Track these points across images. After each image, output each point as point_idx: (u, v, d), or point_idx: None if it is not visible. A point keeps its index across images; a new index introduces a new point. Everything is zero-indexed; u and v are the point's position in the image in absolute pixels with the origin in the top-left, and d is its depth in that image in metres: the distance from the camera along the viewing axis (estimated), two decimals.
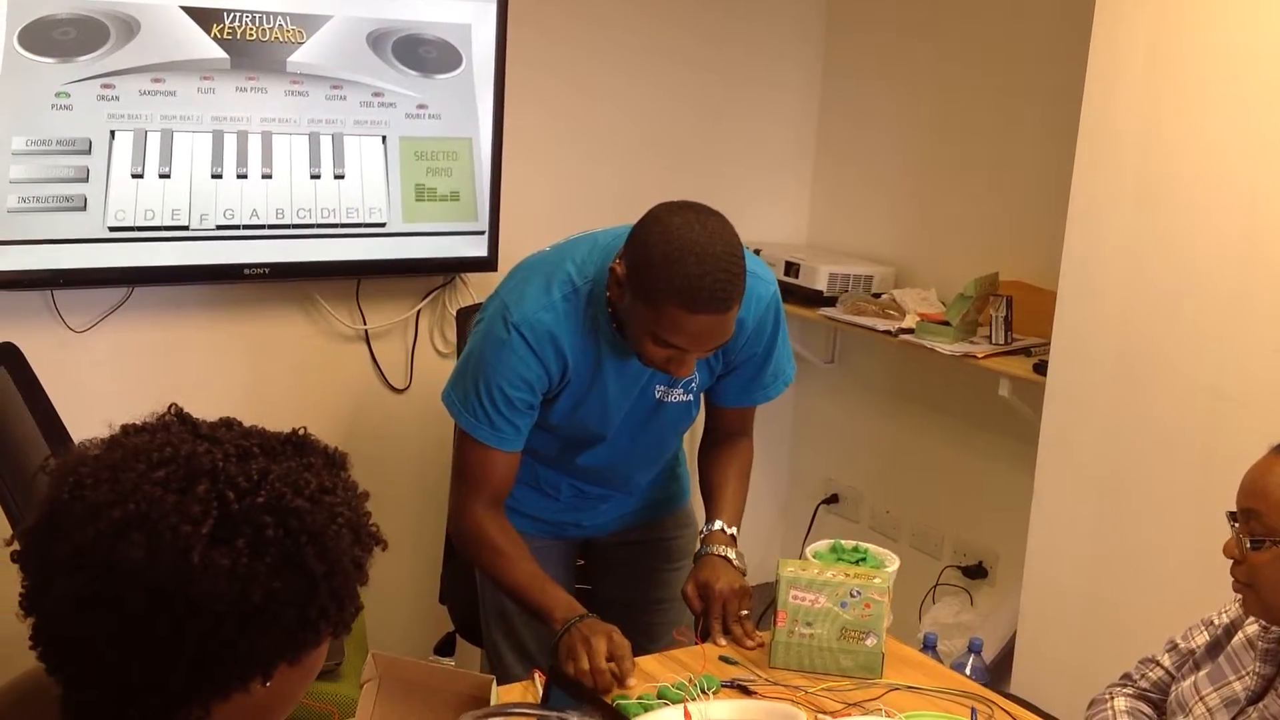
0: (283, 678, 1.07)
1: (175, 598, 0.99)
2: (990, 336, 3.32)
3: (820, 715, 1.90)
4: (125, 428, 1.09)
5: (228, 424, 1.11)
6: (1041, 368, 3.01)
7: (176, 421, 1.09)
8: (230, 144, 2.97)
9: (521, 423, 2.09)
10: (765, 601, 2.29)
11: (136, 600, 0.98)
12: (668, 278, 1.87)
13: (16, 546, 1.05)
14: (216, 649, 1.01)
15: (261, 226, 3.03)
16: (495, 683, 1.80)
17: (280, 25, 2.99)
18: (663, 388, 2.17)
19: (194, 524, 0.99)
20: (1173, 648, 1.96)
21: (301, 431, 1.13)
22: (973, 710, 1.94)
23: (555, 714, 1.51)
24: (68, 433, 2.43)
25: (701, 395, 2.28)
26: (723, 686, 1.96)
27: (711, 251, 1.88)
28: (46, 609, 1.03)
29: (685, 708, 1.83)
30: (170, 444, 1.04)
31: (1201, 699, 1.81)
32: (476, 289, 3.39)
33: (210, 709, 1.04)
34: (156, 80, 2.87)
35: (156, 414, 1.11)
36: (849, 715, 1.91)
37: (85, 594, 0.99)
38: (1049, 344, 2.93)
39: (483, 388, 2.06)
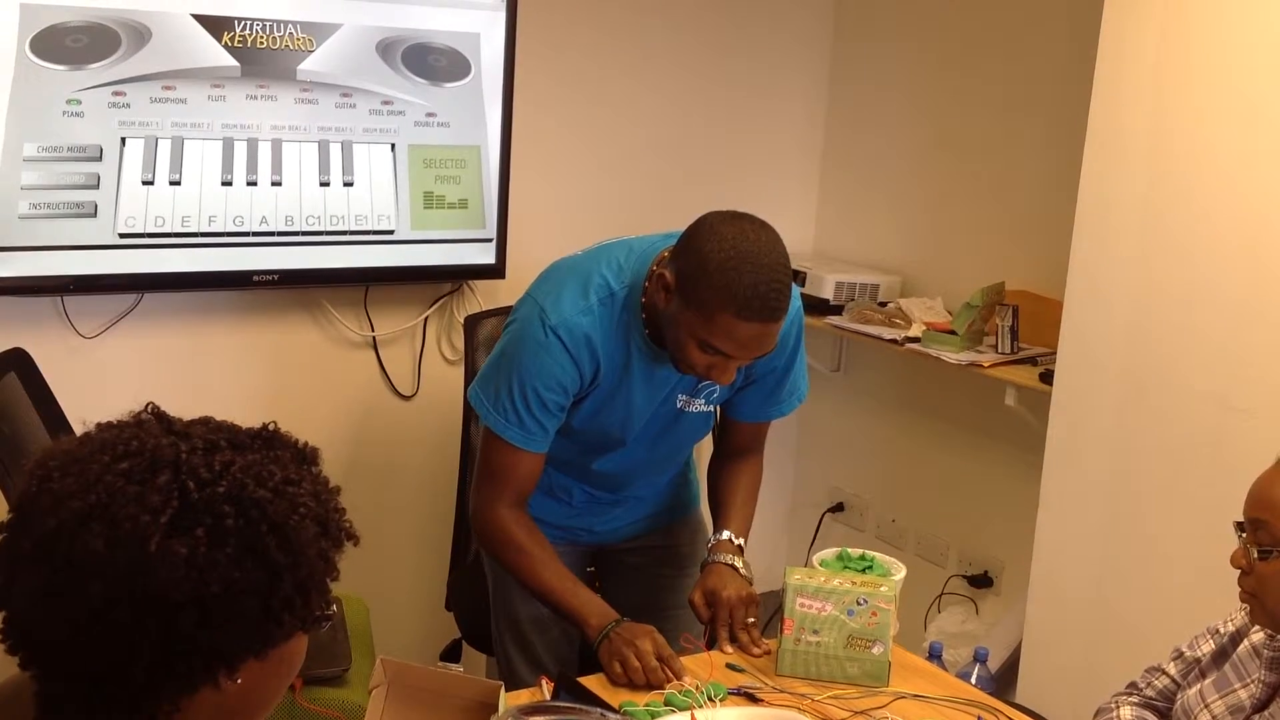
0: (253, 674, 1.07)
1: (134, 587, 0.99)
2: (996, 345, 3.32)
3: None
4: (100, 425, 1.09)
5: (203, 421, 1.11)
6: (1048, 377, 3.01)
7: (152, 419, 1.10)
8: (240, 151, 2.99)
9: (550, 424, 2.11)
10: (771, 609, 2.30)
11: (96, 590, 0.99)
12: (724, 285, 1.89)
13: None
14: (178, 639, 1.01)
15: (271, 233, 3.05)
16: (504, 688, 1.80)
17: (290, 33, 3.00)
18: (684, 397, 2.19)
19: (153, 514, 1.00)
20: (1178, 656, 1.96)
21: (272, 426, 1.13)
22: (978, 718, 1.95)
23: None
24: None
25: (716, 409, 2.29)
26: (729, 694, 1.96)
27: (766, 261, 1.91)
28: (14, 602, 1.03)
29: (692, 715, 1.84)
30: (137, 438, 1.05)
31: (1207, 707, 1.82)
32: (484, 296, 3.40)
33: (179, 704, 1.05)
34: (167, 88, 2.89)
35: (134, 412, 1.11)
36: None
37: (49, 585, 1.00)
38: (1055, 353, 2.94)
39: (515, 388, 2.07)
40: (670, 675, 1.97)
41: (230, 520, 1.02)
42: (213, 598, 1.01)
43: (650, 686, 1.96)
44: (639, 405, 2.16)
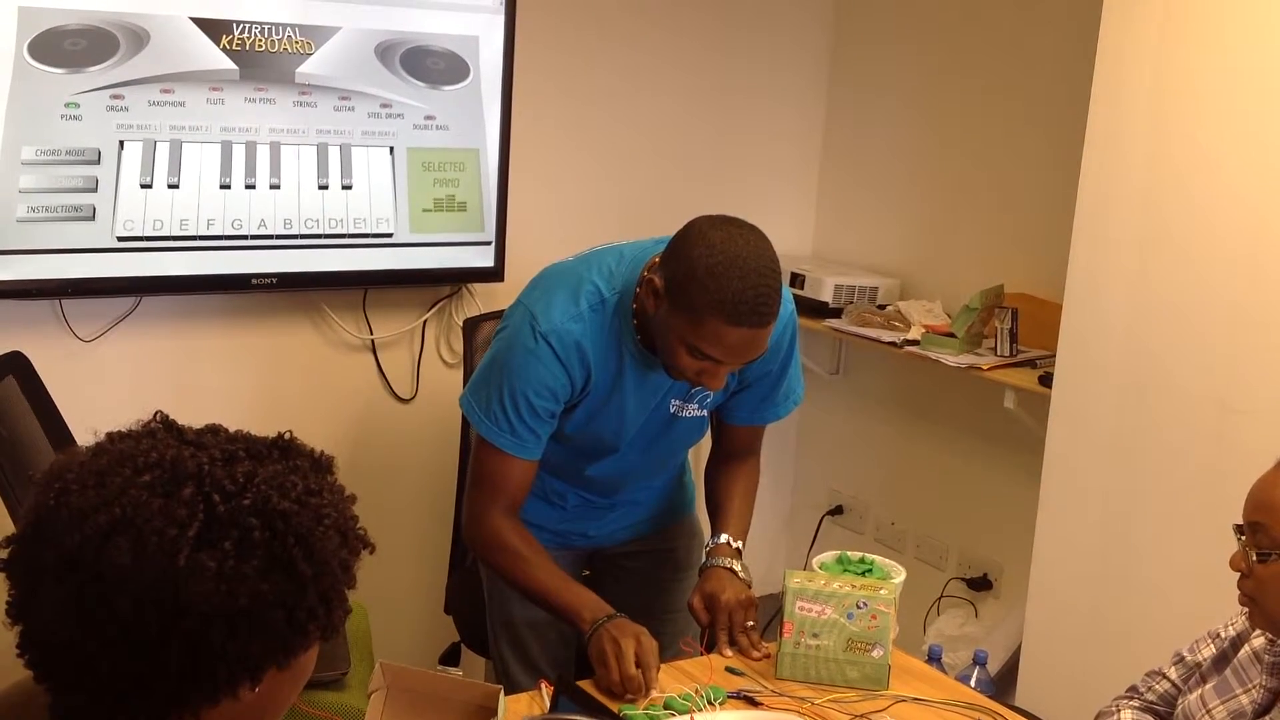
0: (272, 682, 1.07)
1: (162, 600, 0.99)
2: (996, 348, 3.32)
3: None
4: (111, 435, 1.09)
5: (213, 430, 1.11)
6: (1047, 380, 3.01)
7: (162, 429, 1.10)
8: (239, 154, 2.99)
9: (542, 431, 2.10)
10: (770, 613, 2.30)
11: (124, 604, 0.99)
12: (713, 290, 1.89)
13: (3, 555, 1.06)
14: (205, 652, 1.01)
15: (269, 236, 3.05)
16: (503, 692, 1.80)
17: (289, 36, 3.00)
18: (678, 402, 2.18)
19: (180, 527, 1.00)
20: (1179, 660, 1.96)
21: (288, 435, 1.13)
22: None
23: None
24: (75, 442, 2.43)
25: (710, 412, 2.29)
26: (729, 697, 1.96)
27: (755, 266, 1.90)
28: (34, 616, 1.03)
29: (691, 718, 1.83)
30: (156, 449, 1.05)
31: (1208, 712, 1.81)
32: (483, 299, 3.40)
33: (199, 713, 1.04)
34: (166, 91, 2.89)
35: (142, 421, 1.11)
36: None
37: (73, 599, 1.00)
38: (1054, 356, 2.94)
39: (506, 395, 2.07)
40: (646, 683, 1.94)
41: (257, 533, 1.02)
42: (241, 610, 1.01)
43: (628, 692, 1.93)
44: (632, 411, 2.15)
